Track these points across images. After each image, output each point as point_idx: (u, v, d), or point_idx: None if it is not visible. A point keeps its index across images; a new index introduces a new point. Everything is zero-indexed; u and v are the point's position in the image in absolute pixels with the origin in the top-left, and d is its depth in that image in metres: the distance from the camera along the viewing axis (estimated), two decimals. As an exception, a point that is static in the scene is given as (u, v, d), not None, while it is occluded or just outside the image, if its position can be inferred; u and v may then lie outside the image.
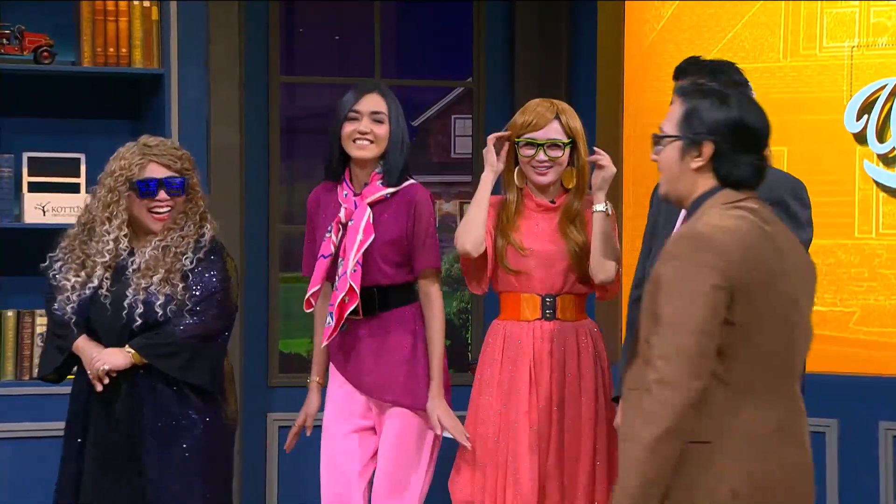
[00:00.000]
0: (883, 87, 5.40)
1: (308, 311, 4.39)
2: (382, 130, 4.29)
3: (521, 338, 4.34)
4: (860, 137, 5.47)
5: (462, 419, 4.34)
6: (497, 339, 4.38)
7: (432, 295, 4.34)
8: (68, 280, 4.14)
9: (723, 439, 2.92)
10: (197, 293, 4.16)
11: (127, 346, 4.13)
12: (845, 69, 5.53)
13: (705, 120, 3.02)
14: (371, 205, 4.31)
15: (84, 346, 4.17)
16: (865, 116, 5.45)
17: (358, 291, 4.25)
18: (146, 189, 4.13)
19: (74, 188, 5.41)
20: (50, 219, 5.32)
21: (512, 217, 4.37)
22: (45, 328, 5.19)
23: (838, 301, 5.58)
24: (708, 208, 2.99)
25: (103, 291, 4.15)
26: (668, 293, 2.89)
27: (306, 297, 4.33)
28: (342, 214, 4.29)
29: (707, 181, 3.02)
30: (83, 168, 5.44)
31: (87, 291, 4.17)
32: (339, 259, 4.31)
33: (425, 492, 4.38)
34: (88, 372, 4.15)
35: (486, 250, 4.31)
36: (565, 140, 4.30)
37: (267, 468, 5.78)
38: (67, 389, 4.63)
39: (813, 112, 5.57)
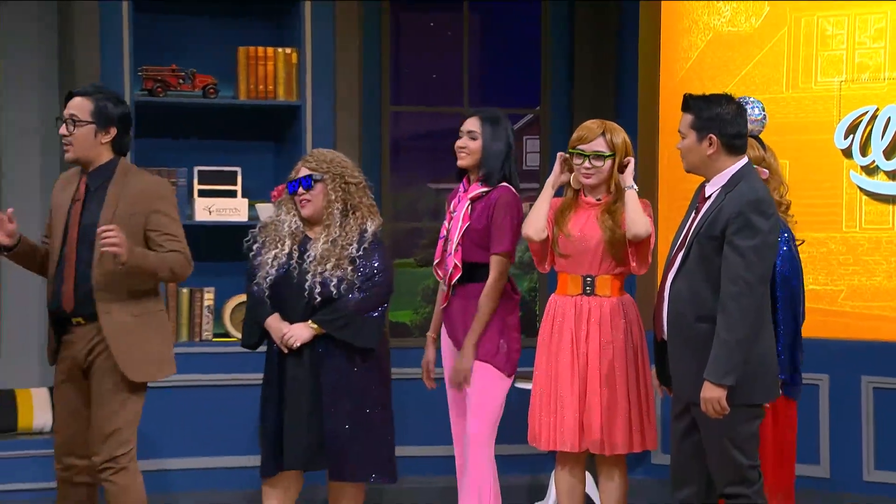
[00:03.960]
0: (865, 113, 5.89)
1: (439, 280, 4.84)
2: (474, 144, 4.76)
3: (566, 309, 4.62)
4: (847, 152, 5.95)
5: (530, 374, 4.76)
6: (549, 311, 4.68)
7: (492, 273, 4.70)
8: (269, 255, 4.57)
9: None
10: (362, 275, 4.53)
11: (310, 321, 4.52)
12: (835, 99, 5.98)
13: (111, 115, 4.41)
14: (472, 200, 4.74)
15: (273, 324, 4.57)
16: (851, 136, 5.93)
17: (460, 266, 4.70)
18: (290, 187, 4.66)
19: (233, 194, 5.97)
20: (215, 217, 5.90)
21: (567, 212, 4.65)
22: (212, 301, 5.91)
23: (829, 281, 6.00)
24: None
25: (293, 263, 4.51)
26: None
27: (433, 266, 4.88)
28: (453, 206, 4.83)
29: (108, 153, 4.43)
30: (239, 178, 5.99)
31: (281, 267, 4.50)
32: (447, 240, 4.80)
33: (495, 418, 4.77)
34: (277, 343, 4.54)
35: (547, 237, 4.66)
36: (607, 153, 4.57)
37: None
38: (227, 349, 5.25)
39: (809, 133, 6.01)
